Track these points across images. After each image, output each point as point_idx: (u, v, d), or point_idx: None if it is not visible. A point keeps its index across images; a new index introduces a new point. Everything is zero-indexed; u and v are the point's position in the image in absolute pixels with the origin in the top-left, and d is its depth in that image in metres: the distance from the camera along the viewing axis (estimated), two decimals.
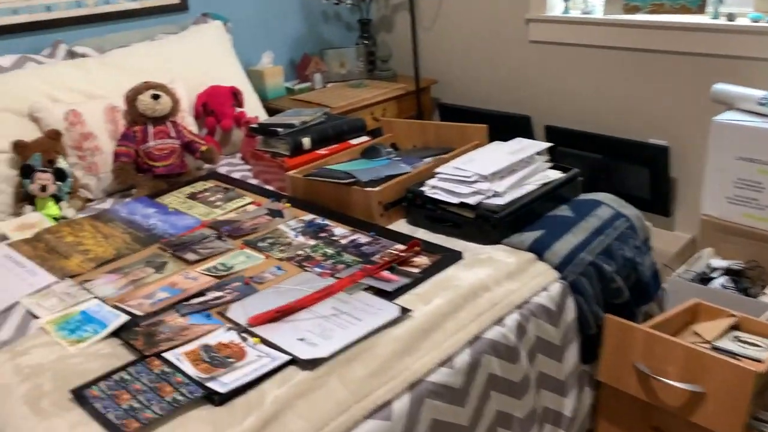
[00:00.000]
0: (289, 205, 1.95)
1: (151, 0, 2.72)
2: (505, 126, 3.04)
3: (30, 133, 2.08)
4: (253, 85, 2.80)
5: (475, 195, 1.70)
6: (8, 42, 2.41)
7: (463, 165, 1.78)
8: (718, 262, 2.23)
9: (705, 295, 1.99)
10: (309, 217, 1.88)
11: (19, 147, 2.01)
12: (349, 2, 3.22)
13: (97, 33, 2.61)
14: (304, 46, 3.32)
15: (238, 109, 2.49)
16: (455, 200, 1.70)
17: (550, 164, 1.90)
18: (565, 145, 2.88)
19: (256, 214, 1.91)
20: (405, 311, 1.37)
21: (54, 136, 2.06)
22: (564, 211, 1.76)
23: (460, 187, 1.73)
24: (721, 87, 2.34)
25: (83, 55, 2.43)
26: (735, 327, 1.76)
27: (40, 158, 2.00)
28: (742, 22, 2.41)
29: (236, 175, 2.29)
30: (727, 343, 1.67)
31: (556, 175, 1.85)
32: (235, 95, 2.48)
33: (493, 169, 1.73)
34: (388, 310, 1.37)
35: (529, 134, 2.97)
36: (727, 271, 2.19)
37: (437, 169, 1.81)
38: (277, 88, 3.06)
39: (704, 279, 2.19)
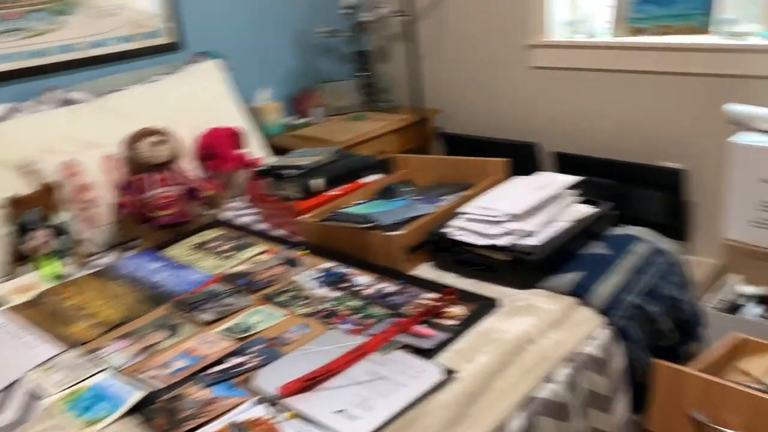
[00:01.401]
0: (306, 252, 1.85)
1: (143, 41, 2.63)
2: (512, 154, 2.95)
3: (25, 188, 1.96)
4: (253, 123, 2.71)
5: (507, 236, 1.60)
6: None
7: (489, 204, 1.69)
8: (749, 289, 2.16)
9: (739, 325, 1.91)
10: (328, 264, 1.77)
11: (14, 203, 1.89)
12: (344, 35, 3.15)
13: (90, 77, 2.50)
14: (301, 81, 3.23)
15: (240, 150, 2.39)
16: (484, 242, 1.61)
17: (580, 198, 1.81)
18: (574, 172, 2.81)
19: (270, 264, 1.80)
20: (449, 372, 1.26)
21: (50, 189, 1.94)
22: (600, 248, 1.67)
23: (489, 228, 1.63)
24: (733, 107, 2.29)
25: (77, 101, 2.32)
26: None
27: (38, 213, 1.88)
28: (752, 40, 2.36)
29: (244, 220, 2.18)
30: None
31: (587, 209, 1.76)
32: (236, 136, 2.38)
33: (524, 207, 1.63)
34: (431, 372, 1.26)
35: (537, 162, 2.90)
36: (760, 299, 2.11)
37: (461, 209, 1.72)
38: (275, 125, 2.96)
39: (734, 307, 2.11)
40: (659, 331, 1.54)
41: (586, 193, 1.87)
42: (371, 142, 2.90)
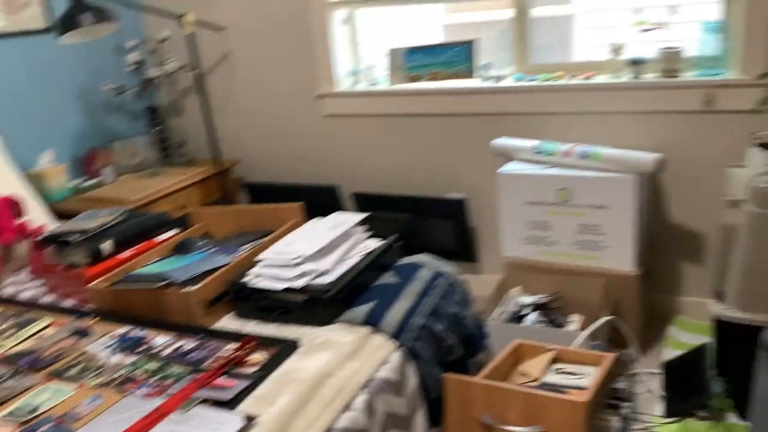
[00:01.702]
0: (98, 320, 1.75)
1: None
2: (315, 198, 3.07)
3: None
4: (34, 189, 2.53)
5: (302, 277, 1.67)
6: None
7: (285, 248, 1.75)
8: (527, 299, 2.43)
9: (521, 332, 2.15)
10: (122, 330, 1.70)
11: None
12: (132, 91, 3.07)
13: None
14: (89, 140, 3.08)
15: (19, 220, 2.21)
16: (281, 286, 1.66)
17: (368, 233, 1.94)
18: (374, 209, 2.99)
19: (57, 338, 1.68)
20: (250, 419, 1.27)
21: None
22: (389, 278, 1.79)
23: (286, 272, 1.68)
24: (499, 141, 2.61)
25: None
26: (555, 359, 1.91)
27: None
28: (507, 82, 2.72)
29: (27, 295, 2.01)
30: (553, 377, 1.81)
31: (376, 243, 1.89)
32: (13, 205, 2.20)
33: (317, 248, 1.72)
34: (232, 421, 1.27)
35: (338, 204, 3.03)
36: (536, 306, 2.39)
37: (259, 256, 1.76)
38: (62, 189, 2.78)
39: (517, 317, 2.36)
40: (446, 346, 1.69)
41: (383, 228, 2.00)
42: (170, 197, 2.84)
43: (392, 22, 3.15)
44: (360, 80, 3.03)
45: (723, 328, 2.01)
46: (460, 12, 3.98)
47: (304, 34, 2.97)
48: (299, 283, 1.64)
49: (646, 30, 2.52)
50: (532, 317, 2.32)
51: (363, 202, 3.00)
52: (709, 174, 2.43)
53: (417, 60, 2.89)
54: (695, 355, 2.19)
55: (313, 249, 1.71)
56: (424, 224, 2.92)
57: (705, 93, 2.36)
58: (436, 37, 3.17)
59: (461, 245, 2.90)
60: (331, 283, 1.65)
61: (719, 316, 1.98)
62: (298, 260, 1.68)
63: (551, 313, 2.36)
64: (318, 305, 1.62)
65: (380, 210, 2.98)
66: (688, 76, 2.42)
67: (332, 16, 2.92)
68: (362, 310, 1.64)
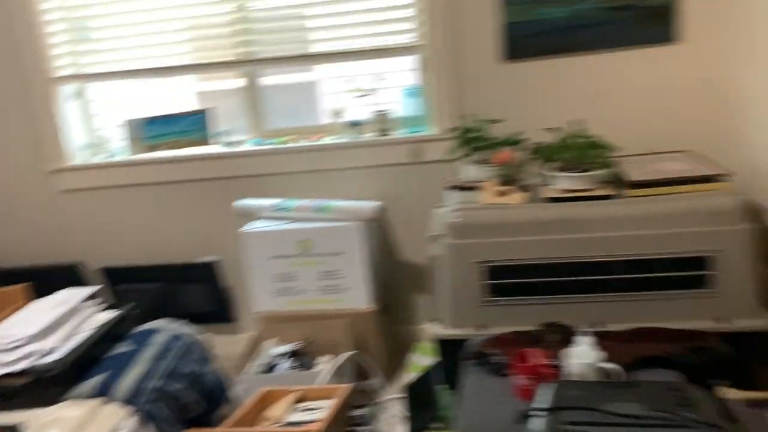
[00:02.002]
0: None
1: None
2: (56, 278, 2.91)
3: None
4: None
5: (25, 359, 1.62)
6: None
7: (3, 332, 1.67)
8: (280, 349, 2.57)
9: (273, 381, 2.27)
10: None
11: None
12: None
13: None
14: None
15: None
16: (1, 371, 1.59)
17: (103, 306, 1.93)
18: (125, 282, 2.93)
19: None
20: None
21: None
22: (124, 347, 1.81)
23: (4, 356, 1.62)
24: (242, 202, 2.76)
25: None
26: (302, 399, 2.05)
27: None
28: (245, 147, 2.90)
29: None
30: (295, 416, 1.95)
31: (110, 315, 1.89)
32: None
33: (38, 328, 1.68)
34: None
35: (80, 281, 2.92)
36: (291, 354, 2.53)
37: None
38: None
39: (272, 367, 2.48)
40: (185, 404, 1.75)
41: (135, 300, 2.01)
42: None
43: (137, 91, 3.18)
44: (97, 152, 2.99)
45: (443, 345, 2.33)
46: (211, 80, 4.15)
47: (29, 110, 2.86)
48: (19, 366, 1.59)
49: (360, 96, 2.88)
50: (285, 365, 2.45)
51: (112, 276, 2.93)
52: (422, 215, 2.82)
53: (155, 130, 2.95)
54: (426, 374, 2.50)
55: (33, 330, 1.67)
56: (179, 290, 2.93)
57: (411, 147, 2.77)
58: (189, 104, 3.26)
59: (217, 307, 2.96)
60: (55, 361, 1.62)
61: (437, 335, 2.30)
62: (17, 343, 1.63)
63: (304, 358, 2.52)
64: (44, 384, 1.58)
65: (132, 282, 2.94)
66: (398, 134, 2.82)
67: (58, 91, 2.86)
68: (93, 382, 1.63)
